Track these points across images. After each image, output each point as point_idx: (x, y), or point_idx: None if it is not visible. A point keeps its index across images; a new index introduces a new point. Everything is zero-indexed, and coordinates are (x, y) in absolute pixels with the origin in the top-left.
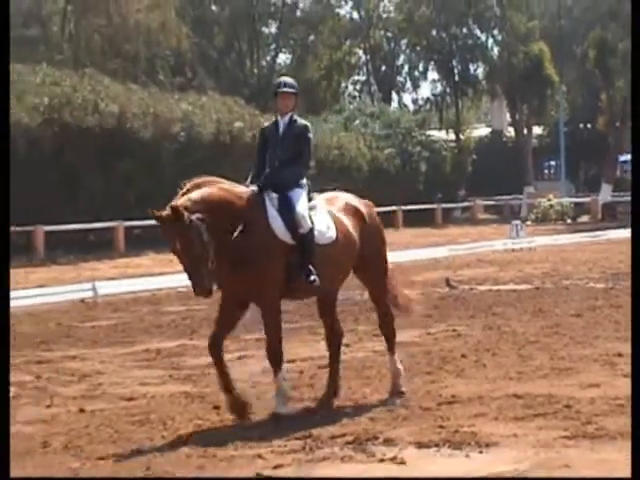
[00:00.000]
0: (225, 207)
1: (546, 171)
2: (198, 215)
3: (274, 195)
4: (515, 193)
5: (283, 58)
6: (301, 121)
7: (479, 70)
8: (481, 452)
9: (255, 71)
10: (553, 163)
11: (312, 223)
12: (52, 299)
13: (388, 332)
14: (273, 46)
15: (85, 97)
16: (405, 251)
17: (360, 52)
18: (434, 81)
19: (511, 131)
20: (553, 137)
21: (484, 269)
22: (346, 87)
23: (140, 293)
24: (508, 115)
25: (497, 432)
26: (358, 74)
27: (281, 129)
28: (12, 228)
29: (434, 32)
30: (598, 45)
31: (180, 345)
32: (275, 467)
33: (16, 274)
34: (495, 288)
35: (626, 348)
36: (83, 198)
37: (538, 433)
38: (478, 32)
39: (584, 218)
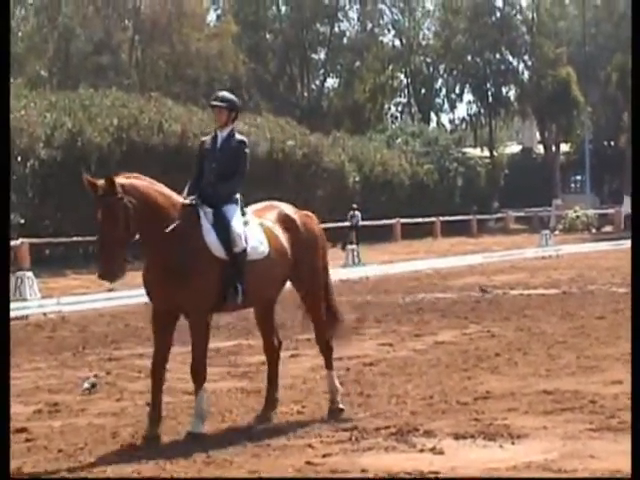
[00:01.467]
0: (158, 210)
1: (572, 185)
2: (131, 199)
3: (209, 210)
4: (544, 205)
5: (331, 82)
6: (239, 136)
7: (511, 92)
8: (513, 443)
9: (305, 94)
10: (579, 177)
11: (246, 240)
12: (121, 302)
13: (324, 346)
14: (322, 71)
15: (151, 118)
16: (443, 259)
17: (401, 76)
18: (469, 102)
19: (540, 148)
20: (579, 154)
21: (516, 275)
22: (389, 108)
23: None
24: (538, 133)
25: (528, 425)
26: (400, 96)
27: (219, 143)
28: (85, 238)
29: (469, 57)
30: (620, 69)
31: (237, 344)
32: (324, 456)
33: (88, 280)
34: (526, 292)
35: None
36: None
37: (566, 426)
38: (510, 57)
39: (608, 228)
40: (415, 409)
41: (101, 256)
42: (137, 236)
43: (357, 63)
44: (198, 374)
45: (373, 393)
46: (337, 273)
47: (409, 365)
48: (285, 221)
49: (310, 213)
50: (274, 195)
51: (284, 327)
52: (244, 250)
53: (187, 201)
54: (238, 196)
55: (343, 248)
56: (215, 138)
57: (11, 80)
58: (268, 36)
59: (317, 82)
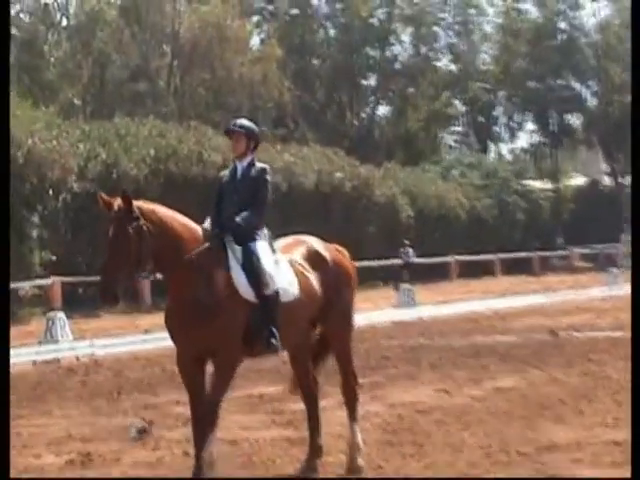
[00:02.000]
0: (179, 241)
1: None
2: (148, 224)
3: (237, 247)
4: (612, 241)
5: (382, 110)
6: (259, 165)
7: (575, 120)
8: None
9: (355, 123)
10: None
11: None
12: (158, 344)
13: (351, 397)
14: (372, 98)
15: (190, 148)
16: (502, 298)
17: (458, 103)
18: (531, 131)
19: (607, 180)
20: None
21: (580, 316)
22: (443, 138)
23: None
24: (604, 164)
25: (594, 478)
26: (456, 125)
27: (238, 174)
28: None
29: (531, 83)
30: None
31: (281, 390)
32: None
33: (123, 320)
34: (591, 335)
35: None
36: None
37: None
38: (574, 83)
39: None
40: (472, 460)
41: (105, 276)
42: (150, 266)
43: (410, 89)
44: (211, 417)
45: (427, 442)
46: (389, 314)
47: (466, 413)
48: (315, 258)
49: (341, 248)
50: (321, 231)
51: (332, 372)
52: (276, 292)
53: (212, 233)
54: (266, 231)
55: (395, 287)
56: (234, 169)
57: (43, 108)
58: (315, 61)
59: (367, 110)
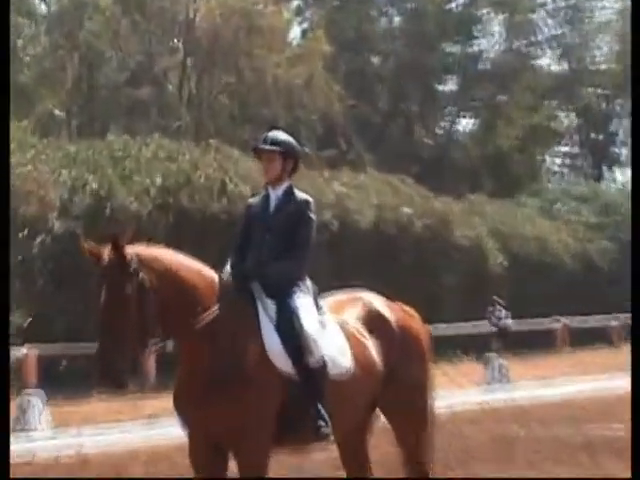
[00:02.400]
0: (193, 294)
1: None
2: (151, 275)
3: (269, 301)
4: None
5: (464, 123)
6: (300, 195)
7: None
8: None
9: (428, 141)
10: None
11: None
12: (165, 433)
13: None
14: (451, 108)
15: (209, 176)
16: (624, 375)
17: (564, 115)
18: None
19: None
20: None
21: None
22: (545, 161)
23: None
24: None
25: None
26: (562, 144)
27: (272, 206)
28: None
29: None
30: None
31: None
32: None
33: (121, 403)
34: None
35: None
36: None
37: None
38: None
39: None
40: None
41: (103, 354)
42: (159, 331)
43: (501, 97)
44: None
45: None
46: (473, 394)
47: None
48: (375, 320)
49: (409, 308)
50: (383, 285)
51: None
52: (323, 362)
53: (230, 281)
54: (309, 283)
55: (482, 360)
56: (267, 199)
57: (15, 123)
58: (375, 59)
59: (444, 124)
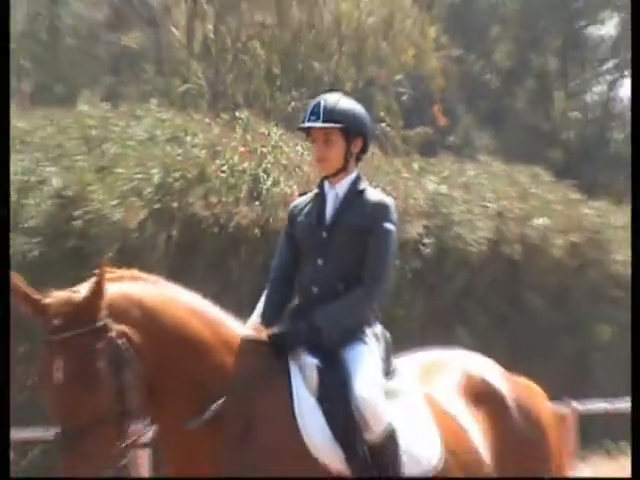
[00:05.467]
0: (192, 358)
1: None
2: (131, 334)
3: (310, 359)
4: None
5: (628, 86)
6: (375, 195)
7: None
8: None
9: (574, 114)
10: None
11: (394, 429)
12: None
13: None
14: (610, 63)
15: (233, 166)
16: None
17: None
18: None
19: None
20: None
21: None
22: None
23: None
24: None
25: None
26: None
27: (329, 211)
28: None
29: None
30: None
31: None
32: None
33: None
34: None
35: None
36: None
37: None
38: None
39: None
40: None
41: (74, 459)
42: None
43: None
44: None
45: None
46: None
47: None
48: (482, 396)
49: (531, 383)
50: (500, 338)
51: None
52: (392, 441)
53: (258, 336)
54: (379, 329)
55: None
56: (322, 201)
57: None
58: None
59: (599, 89)
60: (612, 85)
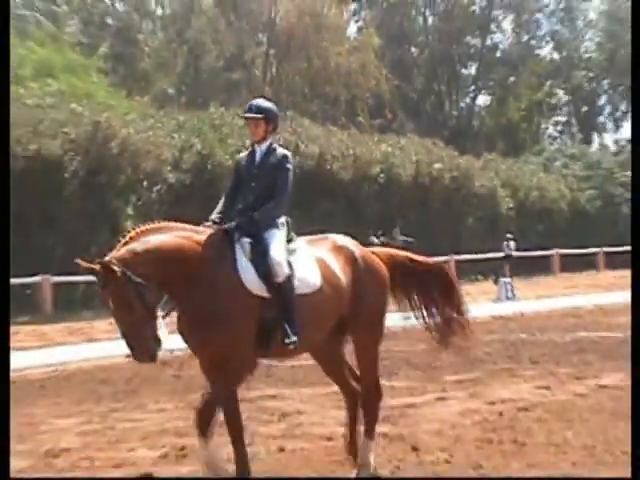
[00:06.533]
0: (182, 257)
1: None
2: (140, 271)
3: (246, 240)
4: None
5: (482, 99)
6: (281, 150)
7: None
8: None
9: (454, 113)
10: None
11: (291, 269)
12: None
13: (369, 412)
14: (472, 87)
15: (286, 139)
16: (607, 294)
17: (560, 93)
18: None
19: None
20: None
21: None
22: (546, 128)
23: None
24: None
25: (594, 477)
26: (558, 115)
27: (257, 159)
28: None
29: None
30: None
31: None
32: None
33: None
34: None
35: None
36: None
37: None
38: None
39: None
40: (576, 459)
41: (130, 344)
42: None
43: (511, 78)
44: (228, 423)
45: (529, 441)
46: (489, 308)
47: (568, 410)
48: (342, 252)
49: (375, 249)
50: (420, 224)
51: (430, 368)
52: (289, 279)
53: (217, 232)
54: (283, 219)
55: (495, 281)
56: (252, 154)
57: (137, 98)
58: (413, 50)
59: (467, 100)
60: (473, 98)
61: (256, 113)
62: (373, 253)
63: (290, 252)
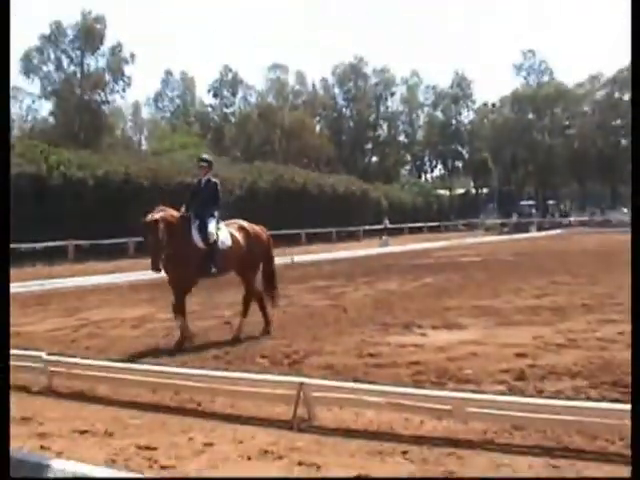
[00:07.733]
0: (172, 224)
1: (489, 207)
2: (161, 224)
3: (196, 221)
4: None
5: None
6: (213, 180)
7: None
8: (460, 330)
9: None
10: (491, 205)
11: (217, 237)
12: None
13: (248, 300)
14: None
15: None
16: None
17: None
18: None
19: (473, 190)
20: (491, 194)
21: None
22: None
23: None
24: (472, 183)
25: (466, 322)
26: (415, 157)
27: (202, 184)
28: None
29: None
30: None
31: (328, 284)
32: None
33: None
34: (466, 260)
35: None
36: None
37: (485, 323)
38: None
39: (505, 230)
40: (412, 314)
41: (152, 259)
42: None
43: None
44: (177, 309)
45: (398, 307)
46: (377, 250)
47: (410, 293)
48: (242, 229)
49: (261, 227)
50: (269, 217)
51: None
52: (215, 241)
53: (185, 215)
54: (216, 213)
55: (380, 238)
56: (200, 181)
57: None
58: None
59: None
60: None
61: (204, 163)
62: (259, 228)
63: (217, 229)
